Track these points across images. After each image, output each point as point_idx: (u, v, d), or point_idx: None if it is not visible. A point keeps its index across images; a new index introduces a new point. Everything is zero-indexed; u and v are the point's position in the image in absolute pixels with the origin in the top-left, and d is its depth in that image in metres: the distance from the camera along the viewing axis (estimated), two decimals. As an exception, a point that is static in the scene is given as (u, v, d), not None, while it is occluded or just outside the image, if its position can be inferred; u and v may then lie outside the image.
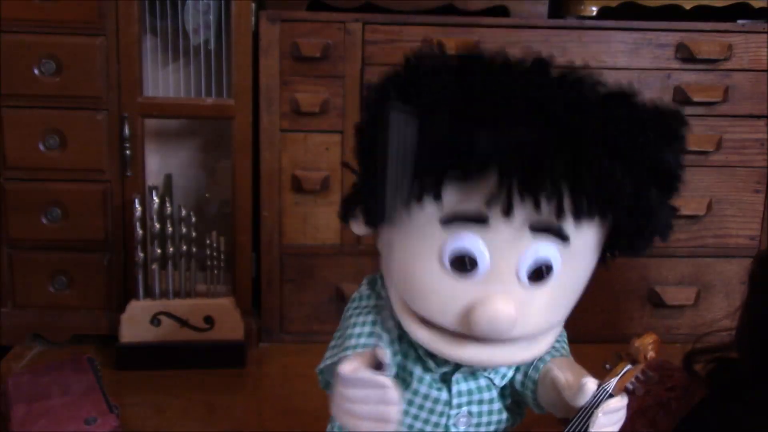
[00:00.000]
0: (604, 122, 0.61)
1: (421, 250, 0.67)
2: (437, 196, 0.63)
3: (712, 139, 1.56)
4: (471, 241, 0.65)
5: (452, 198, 0.64)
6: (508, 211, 0.62)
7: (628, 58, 1.52)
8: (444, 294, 0.66)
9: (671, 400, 1.05)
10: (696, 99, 1.53)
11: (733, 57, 1.53)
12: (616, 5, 1.55)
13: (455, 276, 0.66)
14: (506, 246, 0.65)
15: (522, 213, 0.63)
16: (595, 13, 1.55)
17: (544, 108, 0.61)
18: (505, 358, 0.69)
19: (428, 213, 0.65)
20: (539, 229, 0.64)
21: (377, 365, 0.62)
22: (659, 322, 1.63)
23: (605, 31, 1.51)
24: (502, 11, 1.53)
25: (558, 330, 0.73)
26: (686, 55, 1.52)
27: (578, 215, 0.63)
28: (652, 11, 1.55)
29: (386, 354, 0.63)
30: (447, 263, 0.66)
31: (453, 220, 0.65)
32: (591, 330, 1.59)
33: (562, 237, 0.65)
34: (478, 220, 0.64)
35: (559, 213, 0.62)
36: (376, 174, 0.64)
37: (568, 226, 0.64)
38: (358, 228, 0.73)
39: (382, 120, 0.62)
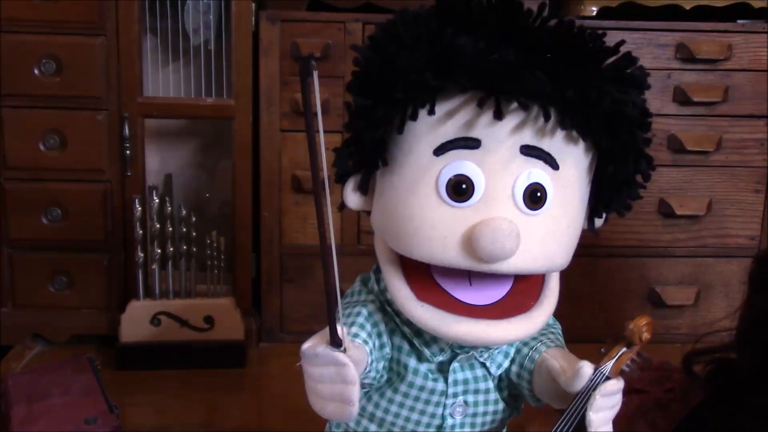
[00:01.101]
0: (576, 43, 0.67)
1: (416, 184, 0.68)
2: (431, 110, 0.65)
3: (712, 139, 1.56)
4: (465, 165, 0.67)
5: (443, 124, 0.67)
6: (498, 114, 0.64)
7: (628, 58, 1.51)
8: (444, 224, 0.67)
9: (670, 401, 1.05)
10: (696, 99, 1.53)
11: (733, 57, 1.53)
12: (616, 5, 1.55)
13: (453, 204, 0.67)
14: (500, 169, 0.67)
15: (511, 128, 0.66)
16: (595, 13, 1.55)
17: (523, 29, 0.66)
18: (499, 335, 0.69)
19: (421, 145, 0.68)
20: (529, 149, 0.67)
21: (337, 344, 0.62)
22: (659, 322, 1.63)
23: (605, 31, 1.51)
24: (502, 11, 1.53)
25: (550, 308, 0.73)
26: (686, 55, 1.52)
27: (564, 125, 0.66)
28: (652, 11, 1.55)
29: (343, 331, 0.63)
30: (443, 191, 0.67)
31: (446, 148, 0.67)
32: (591, 330, 1.59)
33: (551, 160, 0.68)
34: (470, 141, 0.66)
35: (546, 117, 0.65)
36: (371, 107, 0.67)
37: (556, 149, 0.68)
38: (354, 199, 0.74)
39: (375, 46, 0.68)
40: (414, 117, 0.67)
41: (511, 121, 0.66)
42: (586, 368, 0.68)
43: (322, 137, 0.58)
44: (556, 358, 0.73)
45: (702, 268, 1.63)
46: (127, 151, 1.48)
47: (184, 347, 1.47)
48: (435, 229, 0.67)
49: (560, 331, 0.80)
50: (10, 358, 1.50)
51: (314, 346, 0.62)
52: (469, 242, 0.65)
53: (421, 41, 0.66)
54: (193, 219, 1.47)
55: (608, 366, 0.70)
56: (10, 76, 1.44)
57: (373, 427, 0.79)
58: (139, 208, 1.44)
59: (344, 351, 0.62)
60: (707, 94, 1.54)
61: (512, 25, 0.66)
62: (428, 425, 0.77)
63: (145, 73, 1.50)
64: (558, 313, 0.76)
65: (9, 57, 1.43)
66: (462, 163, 0.67)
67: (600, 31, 0.70)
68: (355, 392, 0.62)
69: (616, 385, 0.69)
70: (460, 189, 0.66)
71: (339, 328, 0.62)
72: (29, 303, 1.54)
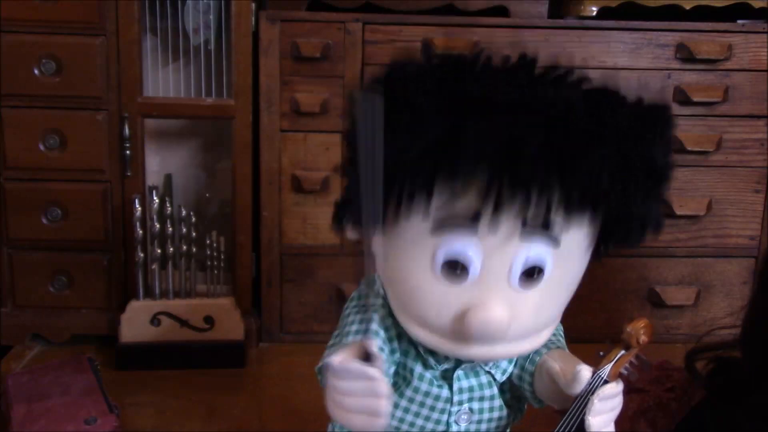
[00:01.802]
0: (588, 117, 0.62)
1: (412, 258, 0.67)
2: (429, 195, 0.63)
3: (712, 139, 1.56)
4: (461, 247, 0.65)
5: (441, 204, 0.64)
6: (498, 207, 0.62)
7: (628, 58, 1.52)
8: (437, 300, 0.67)
9: (671, 400, 1.05)
10: (696, 99, 1.53)
11: (733, 57, 1.53)
12: (616, 5, 1.55)
13: (447, 282, 0.66)
14: (497, 250, 0.65)
15: (512, 215, 0.63)
16: (595, 13, 1.55)
17: (529, 105, 0.61)
18: (504, 352, 0.69)
19: (418, 222, 0.66)
20: (530, 232, 0.64)
21: (367, 357, 0.62)
22: (659, 322, 1.63)
23: (605, 31, 1.51)
24: (502, 11, 1.53)
25: (555, 324, 0.74)
26: (686, 55, 1.52)
27: (569, 209, 0.63)
28: (652, 11, 1.55)
29: (374, 345, 0.63)
30: (439, 270, 0.66)
31: (443, 227, 0.65)
32: (591, 330, 1.59)
33: (552, 239, 0.65)
34: (468, 224, 0.64)
35: (549, 207, 0.62)
36: (365, 179, 0.62)
37: (558, 228, 0.65)
38: (352, 233, 0.74)
39: (368, 122, 0.61)
40: (411, 200, 0.64)
41: (512, 206, 0.63)
42: (584, 372, 0.68)
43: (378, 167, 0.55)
44: (555, 360, 0.73)
45: (702, 268, 1.63)
46: (127, 151, 1.48)
47: (184, 347, 1.47)
48: (429, 300, 0.67)
49: (562, 333, 0.80)
50: (10, 358, 1.50)
51: (346, 361, 0.62)
52: (461, 322, 0.66)
53: (424, 120, 0.62)
54: (193, 219, 1.47)
55: (606, 369, 0.70)
56: (10, 76, 1.44)
57: None
58: (139, 208, 1.44)
59: (376, 366, 0.61)
60: (707, 94, 1.54)
61: (525, 97, 0.62)
62: (433, 431, 0.77)
63: (145, 73, 1.50)
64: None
65: (9, 57, 1.43)
66: (458, 244, 0.65)
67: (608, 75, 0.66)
68: (387, 405, 0.61)
69: (615, 388, 0.69)
70: (454, 272, 0.65)
71: (371, 342, 0.62)
72: (29, 303, 1.54)
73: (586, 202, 0.63)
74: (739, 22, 1.56)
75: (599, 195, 0.63)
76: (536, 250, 0.65)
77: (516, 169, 0.60)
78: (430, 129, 0.61)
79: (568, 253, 0.67)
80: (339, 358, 0.62)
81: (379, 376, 0.61)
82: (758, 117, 1.56)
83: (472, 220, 0.63)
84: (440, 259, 0.66)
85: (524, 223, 0.63)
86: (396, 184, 0.64)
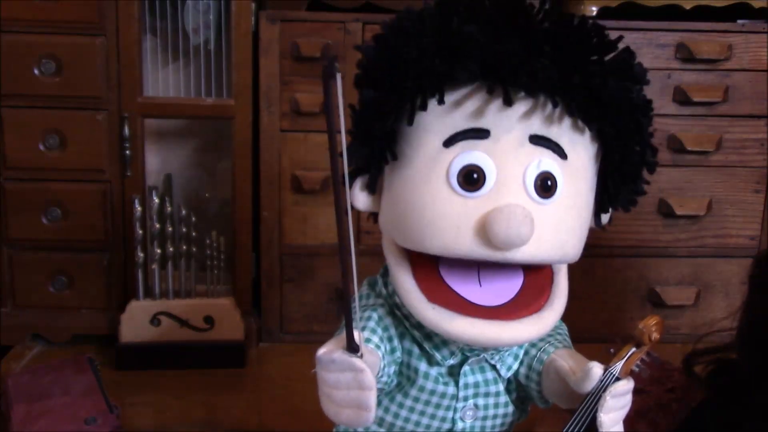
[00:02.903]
0: (579, 35, 0.68)
1: (427, 176, 0.68)
2: (441, 100, 0.66)
3: (712, 139, 1.56)
4: (476, 155, 0.67)
5: (452, 117, 0.67)
6: (507, 101, 0.65)
7: (628, 58, 1.51)
8: (456, 215, 0.67)
9: (671, 401, 1.05)
10: (696, 99, 1.53)
11: (733, 57, 1.53)
12: (616, 5, 1.55)
13: (465, 194, 0.67)
14: (510, 158, 0.67)
15: (520, 116, 0.66)
16: (595, 13, 1.55)
17: (529, 22, 0.67)
18: (511, 335, 0.69)
19: (430, 138, 0.68)
20: (538, 139, 0.67)
21: (353, 350, 0.62)
22: (659, 322, 1.63)
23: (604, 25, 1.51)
24: (502, 11, 1.53)
25: (560, 308, 0.73)
26: (686, 55, 1.52)
27: (571, 112, 0.67)
28: (652, 11, 1.55)
29: (361, 336, 0.63)
30: (455, 182, 0.67)
31: (455, 139, 0.67)
32: (591, 330, 1.59)
33: (560, 152, 0.68)
34: (480, 132, 0.67)
35: (554, 104, 0.66)
36: (379, 101, 0.68)
37: (564, 140, 0.68)
38: (362, 199, 0.75)
39: (382, 40, 0.69)
40: (423, 107, 0.67)
41: (519, 109, 0.66)
42: (596, 369, 0.68)
43: (344, 139, 0.57)
44: (564, 358, 0.73)
45: (702, 268, 1.63)
46: (127, 151, 1.48)
47: (184, 347, 1.47)
48: (447, 219, 0.67)
49: (567, 333, 0.81)
50: (10, 358, 1.50)
51: (330, 351, 0.62)
52: (483, 230, 0.65)
53: (427, 32, 0.66)
54: (193, 219, 1.47)
55: (618, 366, 0.70)
56: (10, 76, 1.44)
57: (382, 430, 0.79)
58: (139, 208, 1.44)
59: (361, 356, 0.61)
60: (707, 94, 1.54)
61: (516, 18, 0.67)
62: (438, 429, 0.77)
63: (145, 73, 1.50)
64: (561, 315, 0.75)
65: (9, 57, 1.43)
66: (472, 153, 0.67)
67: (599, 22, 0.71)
68: (373, 398, 0.61)
69: (626, 385, 0.69)
70: (471, 178, 0.66)
71: (356, 333, 0.62)
72: (29, 303, 1.54)
73: (587, 99, 0.67)
74: (739, 22, 1.56)
75: (597, 103, 0.67)
76: (546, 159, 0.68)
77: (520, 70, 0.64)
78: (436, 34, 0.66)
79: (576, 171, 0.70)
80: (324, 349, 0.62)
81: (364, 367, 0.61)
82: (758, 117, 1.56)
83: (483, 127, 0.67)
84: (456, 168, 0.67)
85: (533, 135, 0.67)
86: (407, 100, 0.67)
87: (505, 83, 0.65)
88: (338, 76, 0.53)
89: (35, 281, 1.53)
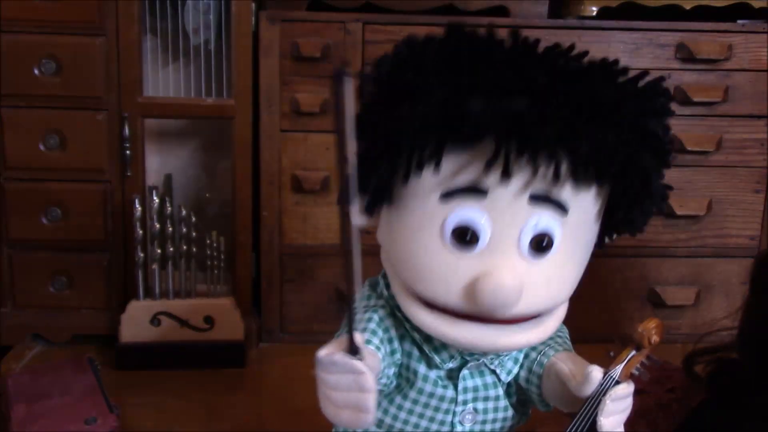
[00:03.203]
0: (591, 90, 0.64)
1: (421, 228, 0.67)
2: (437, 165, 0.64)
3: (712, 139, 1.56)
4: (471, 213, 0.65)
5: (450, 172, 0.65)
6: (506, 174, 0.62)
7: (628, 58, 1.51)
8: (447, 271, 0.66)
9: (671, 401, 1.05)
10: (696, 99, 1.53)
11: (733, 57, 1.53)
12: (616, 5, 1.55)
13: (457, 251, 0.66)
14: (506, 217, 0.65)
15: (520, 181, 0.64)
16: (595, 13, 1.55)
17: (535, 78, 0.62)
18: (509, 341, 0.69)
19: (427, 191, 0.66)
20: (538, 198, 0.65)
21: (354, 352, 0.62)
22: (659, 322, 1.63)
23: (605, 31, 1.51)
24: (502, 11, 1.53)
25: (562, 313, 0.73)
26: (686, 55, 1.52)
27: (576, 178, 0.64)
28: (652, 11, 1.55)
29: (362, 338, 0.63)
30: (448, 239, 0.66)
31: (452, 194, 0.65)
32: (591, 330, 1.59)
33: (560, 207, 0.66)
34: (477, 191, 0.65)
35: (557, 175, 0.63)
36: (375, 151, 0.65)
37: (566, 195, 0.66)
38: (358, 218, 0.74)
39: (379, 95, 0.65)
40: (420, 169, 0.65)
41: (520, 173, 0.64)
42: (596, 373, 0.68)
43: (353, 147, 0.56)
44: (565, 362, 0.73)
45: (702, 268, 1.63)
46: (127, 151, 1.48)
47: (184, 347, 1.47)
48: (439, 274, 0.67)
49: (567, 335, 0.80)
50: (10, 358, 1.50)
51: (331, 353, 0.61)
52: (471, 292, 0.65)
53: (429, 88, 0.63)
54: (193, 219, 1.47)
55: (618, 370, 0.70)
56: (10, 76, 1.44)
57: None
58: (139, 208, 1.44)
59: (362, 359, 0.61)
60: (707, 94, 1.54)
61: (524, 72, 0.63)
62: None
63: (145, 73, 1.50)
64: (563, 319, 0.75)
65: (9, 57, 1.43)
66: (468, 211, 0.65)
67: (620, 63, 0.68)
68: (373, 400, 0.61)
69: (627, 389, 0.69)
70: (464, 239, 0.65)
71: (357, 335, 0.61)
72: (29, 303, 1.54)
73: (592, 172, 0.64)
74: (739, 22, 1.56)
75: (604, 170, 0.65)
76: (545, 218, 0.66)
77: (523, 135, 0.61)
78: (437, 97, 0.62)
79: (576, 225, 0.68)
80: (325, 351, 0.62)
81: (365, 370, 0.61)
82: (758, 117, 1.56)
83: (481, 187, 0.64)
84: (449, 226, 0.66)
85: (533, 194, 0.64)
86: (405, 153, 0.65)
87: (506, 155, 0.62)
88: (348, 81, 0.52)
89: (35, 281, 1.53)
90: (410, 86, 0.64)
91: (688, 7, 1.56)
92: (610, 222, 0.73)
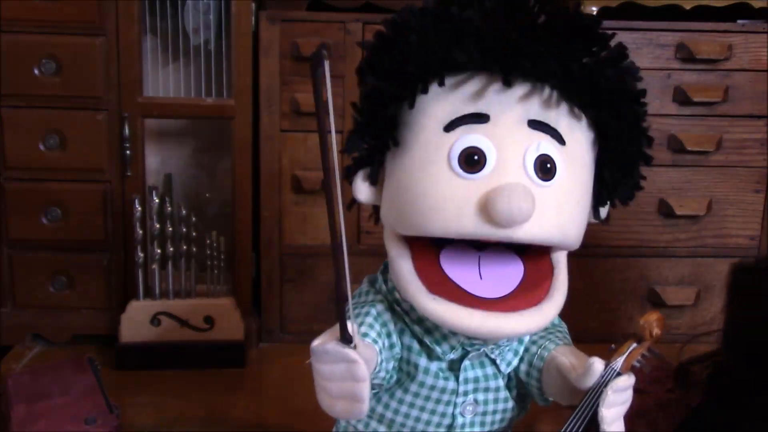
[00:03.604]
0: (575, 27, 0.69)
1: (428, 161, 0.69)
2: (441, 82, 0.68)
3: (712, 139, 1.56)
4: (476, 138, 0.68)
5: (452, 102, 0.69)
6: (507, 82, 0.66)
7: (628, 58, 1.51)
8: (459, 195, 0.67)
9: (671, 401, 1.05)
10: (696, 99, 1.53)
11: (733, 57, 1.53)
12: (616, 5, 1.55)
13: (466, 176, 0.68)
14: (509, 141, 0.68)
15: (519, 106, 0.68)
16: (595, 13, 1.55)
17: (527, 13, 0.68)
18: (512, 327, 0.69)
19: (431, 124, 0.69)
20: (537, 124, 0.69)
21: (347, 341, 0.62)
22: (659, 322, 1.63)
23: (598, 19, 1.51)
24: (502, 11, 1.53)
25: (560, 301, 0.73)
26: (686, 55, 1.52)
27: (569, 97, 0.68)
28: (652, 11, 1.55)
29: (355, 329, 0.63)
30: (456, 164, 0.68)
31: (456, 124, 0.69)
32: (591, 330, 1.60)
33: (558, 137, 0.69)
34: (480, 117, 0.68)
35: (552, 88, 0.68)
36: (380, 87, 0.69)
37: (563, 126, 0.70)
38: (364, 190, 0.75)
39: (384, 31, 0.71)
40: (425, 90, 0.68)
41: (516, 94, 0.68)
42: (597, 364, 0.69)
43: (333, 130, 0.58)
44: (565, 355, 0.74)
45: (702, 268, 1.63)
46: (127, 151, 1.48)
47: (184, 347, 1.47)
48: (450, 200, 0.68)
49: (567, 331, 0.81)
50: (10, 358, 1.50)
51: (324, 342, 0.62)
52: (485, 208, 0.66)
53: (427, 21, 0.68)
54: (193, 219, 1.47)
55: (619, 362, 0.70)
56: (10, 76, 1.44)
57: (382, 428, 0.79)
58: (139, 208, 1.44)
59: (354, 348, 0.61)
60: (707, 94, 1.54)
61: (514, 9, 0.68)
62: (438, 425, 0.77)
63: (145, 73, 1.50)
64: (560, 314, 0.76)
65: (9, 57, 1.43)
66: (472, 137, 0.68)
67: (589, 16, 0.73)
68: (365, 389, 0.61)
69: (628, 380, 0.70)
70: (472, 160, 0.68)
71: (349, 324, 0.62)
72: (29, 303, 1.54)
73: (584, 91, 0.69)
74: (739, 22, 1.56)
75: (597, 90, 0.69)
76: (545, 143, 0.69)
77: (519, 55, 0.66)
78: (437, 21, 0.68)
79: (574, 157, 0.71)
80: (318, 341, 0.63)
81: (357, 358, 0.61)
82: (758, 117, 1.56)
83: (483, 112, 0.68)
84: (456, 152, 0.68)
85: (532, 119, 0.68)
86: (408, 85, 0.69)
87: (504, 67, 0.66)
88: (326, 64, 0.54)
89: (35, 281, 1.53)
90: (411, 24, 0.69)
91: (688, 7, 1.56)
92: (602, 182, 0.75)
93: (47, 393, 1.20)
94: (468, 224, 0.67)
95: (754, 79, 1.54)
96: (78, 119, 1.47)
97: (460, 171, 0.68)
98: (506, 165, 0.68)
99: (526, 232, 0.66)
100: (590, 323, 1.59)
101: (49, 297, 1.53)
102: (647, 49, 1.52)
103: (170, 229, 1.46)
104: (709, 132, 1.56)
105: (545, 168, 0.69)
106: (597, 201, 0.76)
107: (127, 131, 1.47)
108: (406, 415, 0.77)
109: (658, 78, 1.53)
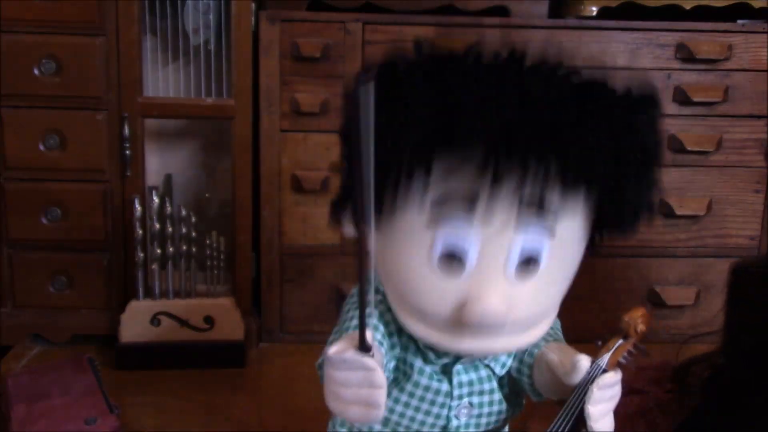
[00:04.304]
0: (580, 101, 0.63)
1: (409, 252, 0.68)
2: (426, 182, 0.64)
3: (712, 139, 1.56)
4: (458, 238, 0.65)
5: (437, 197, 0.65)
6: (495, 188, 0.62)
7: (628, 58, 1.51)
8: (435, 293, 0.67)
9: (671, 401, 1.05)
10: (696, 99, 1.53)
11: (733, 57, 1.53)
12: (616, 5, 1.55)
13: (445, 275, 0.67)
14: (493, 241, 0.65)
15: (507, 204, 0.63)
16: (595, 13, 1.55)
17: (522, 95, 0.62)
18: (503, 346, 0.69)
19: (414, 215, 0.66)
20: (525, 220, 0.65)
21: (364, 348, 0.62)
22: (659, 322, 1.63)
23: (605, 31, 1.51)
24: (502, 11, 1.53)
25: (553, 316, 0.74)
26: (686, 55, 1.52)
27: (564, 189, 0.64)
28: (652, 11, 1.55)
29: (371, 335, 0.63)
30: (436, 263, 0.66)
31: (440, 219, 0.66)
32: (591, 330, 1.59)
33: (547, 228, 0.66)
34: (464, 214, 0.64)
35: (544, 190, 0.63)
36: (361, 171, 0.62)
37: (553, 216, 0.66)
38: (350, 230, 0.74)
39: (364, 112, 0.61)
40: (409, 179, 0.64)
41: (508, 183, 0.63)
42: (583, 361, 0.69)
43: (372, 159, 0.54)
44: (554, 351, 0.74)
45: (702, 268, 1.63)
46: (127, 151, 1.48)
47: (184, 347, 1.47)
48: (428, 294, 0.68)
49: (559, 327, 0.81)
50: (10, 358, 1.50)
51: (341, 351, 0.61)
52: (461, 315, 0.66)
53: (421, 97, 0.63)
54: (193, 219, 1.47)
55: (605, 358, 0.70)
56: (10, 76, 1.44)
57: (377, 426, 0.79)
58: (139, 208, 1.44)
59: (372, 356, 0.61)
60: (707, 94, 1.54)
61: (516, 82, 0.63)
62: (433, 426, 0.77)
63: (145, 73, 1.50)
64: (558, 313, 0.76)
65: (9, 57, 1.43)
66: (455, 235, 0.65)
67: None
68: (383, 396, 0.61)
69: (614, 377, 0.70)
70: (451, 264, 0.66)
71: (368, 333, 0.61)
72: (29, 303, 1.54)
73: (581, 181, 0.64)
74: (739, 22, 1.56)
75: (593, 174, 0.64)
76: (532, 240, 0.66)
77: (511, 145, 0.61)
78: (424, 116, 0.62)
79: (563, 244, 0.68)
80: (335, 349, 0.62)
81: (376, 367, 0.61)
82: (758, 117, 1.56)
83: (468, 208, 0.64)
84: (437, 251, 0.66)
85: (520, 203, 0.64)
86: (392, 174, 0.64)
87: (496, 160, 0.61)
88: (371, 87, 0.51)
89: (35, 281, 1.53)
90: (399, 99, 0.63)
91: (688, 7, 1.56)
92: (599, 221, 0.72)
93: (47, 393, 1.20)
94: (445, 318, 0.67)
95: (754, 79, 1.54)
96: (78, 119, 1.47)
97: (440, 272, 0.66)
98: (486, 267, 0.66)
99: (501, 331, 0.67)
100: (590, 323, 1.59)
101: (49, 297, 1.53)
102: (647, 49, 1.52)
103: (170, 229, 1.46)
104: (709, 132, 1.56)
105: (527, 267, 0.67)
106: (594, 240, 0.74)
107: (127, 131, 1.47)
108: (401, 415, 0.77)
109: (658, 78, 1.53)
